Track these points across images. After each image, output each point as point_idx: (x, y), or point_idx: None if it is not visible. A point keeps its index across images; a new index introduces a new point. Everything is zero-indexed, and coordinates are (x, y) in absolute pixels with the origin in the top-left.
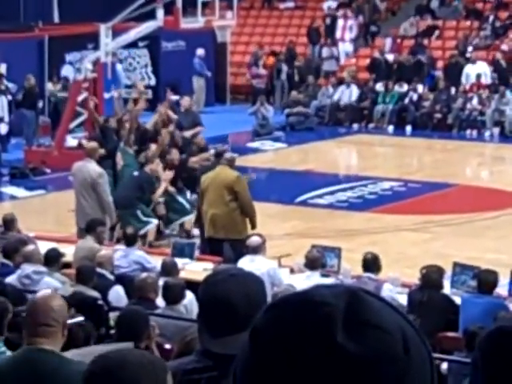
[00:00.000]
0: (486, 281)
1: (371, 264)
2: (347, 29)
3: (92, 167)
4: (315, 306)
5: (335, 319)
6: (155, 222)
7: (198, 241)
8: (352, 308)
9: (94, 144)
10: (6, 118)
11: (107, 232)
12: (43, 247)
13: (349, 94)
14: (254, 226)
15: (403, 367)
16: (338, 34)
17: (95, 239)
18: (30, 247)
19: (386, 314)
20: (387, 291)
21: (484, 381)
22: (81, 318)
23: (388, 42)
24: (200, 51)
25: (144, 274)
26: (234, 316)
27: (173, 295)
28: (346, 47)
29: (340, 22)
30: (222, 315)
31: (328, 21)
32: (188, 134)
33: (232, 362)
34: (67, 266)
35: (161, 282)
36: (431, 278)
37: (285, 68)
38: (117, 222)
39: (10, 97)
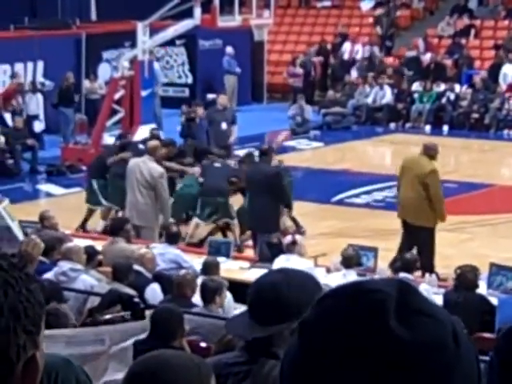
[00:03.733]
0: None
1: (409, 264)
2: (354, 53)
3: (153, 166)
4: (367, 293)
5: (388, 305)
6: None
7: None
8: (404, 296)
9: (155, 142)
10: (42, 116)
11: (157, 231)
12: (78, 244)
13: (382, 96)
14: (442, 219)
15: (453, 358)
16: (346, 56)
17: (124, 239)
18: (71, 244)
19: (435, 307)
20: (424, 292)
21: (498, 381)
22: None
23: (420, 41)
24: (229, 49)
25: (183, 271)
26: (279, 305)
27: (209, 295)
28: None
29: (347, 46)
30: (266, 303)
31: (339, 39)
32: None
33: (272, 356)
34: (102, 263)
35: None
36: (466, 278)
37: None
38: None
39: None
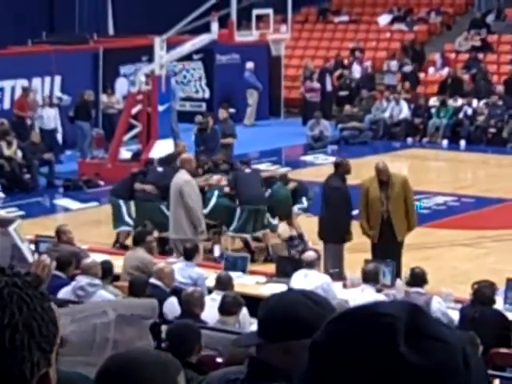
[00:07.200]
0: None
1: (419, 279)
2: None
3: (180, 175)
4: (377, 317)
5: (398, 329)
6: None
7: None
8: (414, 320)
9: (188, 155)
10: (60, 130)
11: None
12: (96, 260)
13: (399, 111)
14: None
15: (463, 381)
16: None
17: (145, 250)
18: (89, 259)
19: (446, 329)
20: (437, 304)
21: None
22: None
23: (437, 57)
24: (249, 64)
25: (191, 289)
26: (291, 323)
27: (228, 308)
28: None
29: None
30: (278, 320)
31: (357, 53)
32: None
33: (278, 373)
34: (117, 278)
35: (215, 295)
36: (483, 293)
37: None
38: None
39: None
